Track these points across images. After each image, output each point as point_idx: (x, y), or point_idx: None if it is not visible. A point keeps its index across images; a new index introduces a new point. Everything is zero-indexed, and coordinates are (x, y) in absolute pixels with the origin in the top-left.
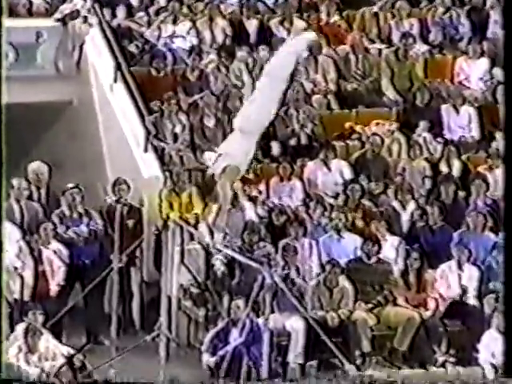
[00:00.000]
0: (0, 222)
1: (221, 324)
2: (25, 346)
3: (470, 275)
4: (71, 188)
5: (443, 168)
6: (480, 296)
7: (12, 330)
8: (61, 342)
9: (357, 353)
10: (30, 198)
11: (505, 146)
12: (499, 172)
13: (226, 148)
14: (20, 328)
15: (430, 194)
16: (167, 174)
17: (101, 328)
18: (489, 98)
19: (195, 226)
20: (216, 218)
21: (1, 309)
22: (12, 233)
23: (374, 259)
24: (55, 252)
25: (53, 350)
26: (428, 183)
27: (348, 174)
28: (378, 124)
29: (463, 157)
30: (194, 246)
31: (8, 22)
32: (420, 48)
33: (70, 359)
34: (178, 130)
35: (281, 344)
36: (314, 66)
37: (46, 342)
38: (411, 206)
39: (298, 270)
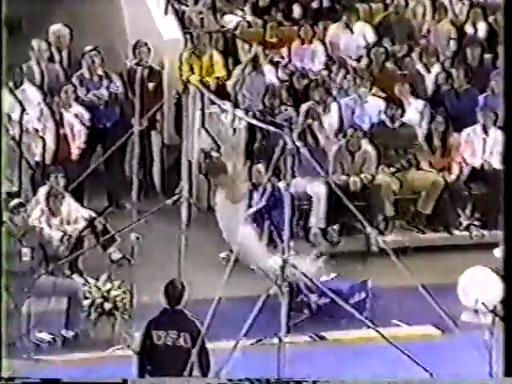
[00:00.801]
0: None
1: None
2: (47, 209)
3: (496, 139)
4: (90, 50)
5: (469, 30)
6: None
7: (34, 193)
8: (82, 205)
9: (379, 217)
10: (50, 60)
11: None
12: None
13: None
14: (42, 191)
15: (455, 57)
16: (188, 36)
17: (122, 191)
18: None
19: (216, 90)
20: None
21: (0, 309)
22: (33, 95)
23: (397, 123)
24: (76, 115)
25: (75, 213)
26: (453, 45)
27: (371, 37)
28: None
29: (490, 18)
30: (215, 109)
31: None
32: None
33: (91, 222)
34: None
35: (302, 208)
36: None
37: (68, 205)
38: (436, 68)
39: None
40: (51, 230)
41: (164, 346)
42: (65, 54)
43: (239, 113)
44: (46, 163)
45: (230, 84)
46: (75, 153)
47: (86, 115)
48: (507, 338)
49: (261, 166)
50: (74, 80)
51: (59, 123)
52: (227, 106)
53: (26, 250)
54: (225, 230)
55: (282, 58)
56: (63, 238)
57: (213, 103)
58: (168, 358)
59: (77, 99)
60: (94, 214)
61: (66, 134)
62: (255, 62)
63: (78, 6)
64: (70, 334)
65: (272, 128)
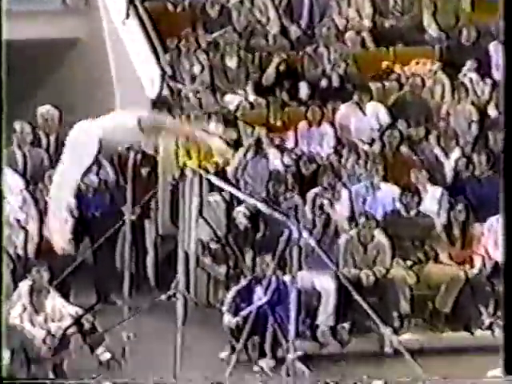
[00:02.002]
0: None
1: (243, 282)
2: (30, 306)
3: None
4: None
5: (491, 112)
6: None
7: (15, 287)
8: (68, 301)
9: (394, 314)
10: (34, 144)
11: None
12: None
13: None
14: (24, 286)
15: (476, 141)
16: (184, 118)
17: (112, 286)
18: None
19: (215, 176)
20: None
21: (0, 308)
22: (14, 182)
23: (413, 212)
24: None
25: (60, 310)
26: (474, 128)
27: (385, 119)
28: (418, 63)
29: None
30: (213, 197)
31: None
32: None
33: (78, 320)
34: (196, 70)
35: (309, 304)
36: None
37: (53, 301)
38: (456, 153)
39: (328, 223)
40: (34, 328)
41: None
42: (52, 138)
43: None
44: (28, 256)
45: (230, 170)
46: None
47: (73, 203)
48: (507, 337)
49: (265, 258)
50: None
51: (43, 212)
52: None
53: (5, 353)
54: None
55: (288, 141)
56: (46, 338)
57: (212, 190)
58: None
59: None
60: (80, 311)
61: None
62: (258, 146)
63: (65, 85)
64: None
65: (278, 215)
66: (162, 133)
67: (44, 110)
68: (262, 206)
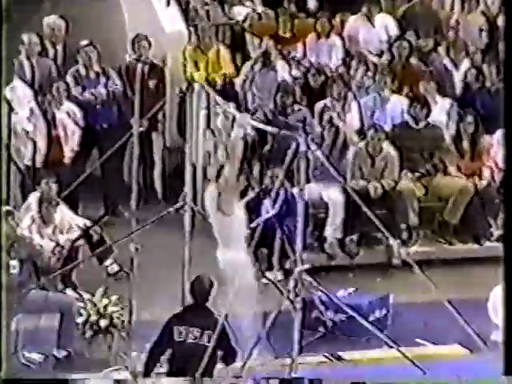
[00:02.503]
0: None
1: (251, 194)
2: (38, 217)
3: None
4: (86, 45)
5: (502, 22)
6: None
7: (24, 199)
8: (76, 213)
9: (402, 226)
10: (42, 54)
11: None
12: None
13: None
14: (33, 197)
15: (486, 52)
16: (192, 29)
17: (120, 198)
18: None
19: (223, 88)
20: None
21: (0, 312)
22: (23, 93)
23: (422, 123)
24: (69, 114)
25: (68, 221)
26: (485, 39)
27: (394, 30)
28: None
29: None
30: (221, 108)
31: None
32: None
33: (86, 231)
34: None
35: (317, 216)
36: None
37: (62, 213)
38: (465, 64)
39: (336, 136)
40: (42, 240)
41: (184, 343)
42: (59, 48)
43: (245, 118)
44: (36, 167)
45: (238, 82)
46: (69, 156)
47: (80, 114)
48: (507, 337)
49: (272, 170)
50: (69, 77)
51: (51, 123)
52: (231, 109)
53: (14, 263)
54: (218, 237)
55: (296, 53)
56: (55, 249)
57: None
58: (187, 356)
59: (69, 97)
60: (89, 223)
61: (58, 135)
62: (266, 58)
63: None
64: (63, 353)
65: (283, 131)
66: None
67: (50, 20)
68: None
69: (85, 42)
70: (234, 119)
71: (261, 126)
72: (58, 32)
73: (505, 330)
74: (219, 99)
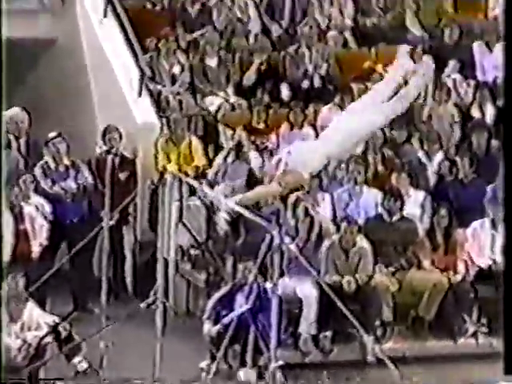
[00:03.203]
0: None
1: (224, 289)
2: (6, 314)
3: None
4: (54, 137)
5: (475, 113)
6: None
7: None
8: (44, 309)
9: (376, 322)
10: (8, 147)
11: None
12: None
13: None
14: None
15: (459, 144)
16: (164, 120)
17: (89, 294)
18: None
19: (195, 181)
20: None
21: (0, 307)
22: None
23: (396, 217)
24: (37, 208)
25: (37, 318)
26: (458, 131)
27: None
28: None
29: (498, 101)
30: (194, 202)
31: None
32: None
33: (54, 328)
34: (176, 70)
35: (291, 312)
36: None
37: (30, 309)
38: (438, 156)
39: (310, 228)
40: (10, 337)
41: None
42: (22, 141)
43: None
44: (2, 262)
45: (210, 174)
46: (37, 250)
47: (48, 208)
48: (507, 337)
49: (245, 264)
50: (37, 170)
51: (18, 217)
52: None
53: None
54: None
55: (270, 144)
56: (22, 347)
57: (192, 194)
58: None
59: (37, 190)
60: (57, 319)
61: (26, 229)
62: (239, 149)
63: (40, 87)
64: None
65: (259, 220)
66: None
67: (12, 112)
68: (243, 211)
69: (53, 134)
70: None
71: (239, 209)
72: (21, 124)
73: (505, 330)
74: (195, 183)
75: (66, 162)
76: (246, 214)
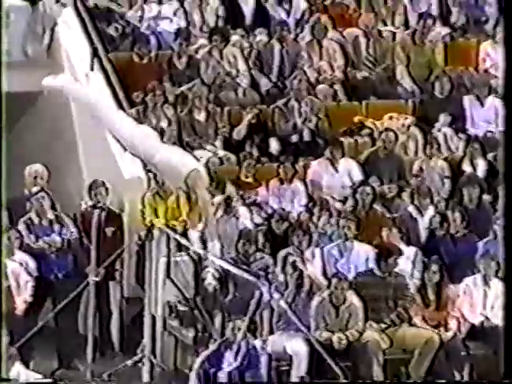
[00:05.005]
0: None
1: (212, 346)
2: None
3: (498, 291)
4: (37, 192)
5: (466, 168)
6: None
7: None
8: (28, 367)
9: (367, 380)
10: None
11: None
12: None
13: None
14: None
15: (450, 198)
16: (151, 174)
17: (75, 351)
18: None
19: (183, 235)
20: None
21: (1, 308)
22: None
23: (387, 272)
24: (21, 264)
25: (23, 376)
26: (448, 185)
27: (357, 175)
28: (391, 118)
29: (489, 155)
30: (181, 257)
31: None
32: (440, 31)
33: None
34: (163, 124)
35: (281, 369)
36: (319, 51)
37: (18, 368)
38: (430, 211)
39: (300, 284)
40: None
41: None
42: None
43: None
44: None
45: (199, 229)
46: (21, 307)
47: (33, 264)
48: (507, 337)
49: (234, 321)
50: (21, 225)
51: (2, 274)
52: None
53: None
54: None
55: (259, 198)
56: None
57: (179, 250)
58: None
59: (21, 246)
60: (41, 378)
61: (9, 285)
62: (228, 204)
63: (25, 141)
64: None
65: (248, 276)
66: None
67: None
68: (231, 268)
69: (36, 189)
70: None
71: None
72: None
73: (505, 330)
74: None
75: (50, 216)
76: (235, 270)
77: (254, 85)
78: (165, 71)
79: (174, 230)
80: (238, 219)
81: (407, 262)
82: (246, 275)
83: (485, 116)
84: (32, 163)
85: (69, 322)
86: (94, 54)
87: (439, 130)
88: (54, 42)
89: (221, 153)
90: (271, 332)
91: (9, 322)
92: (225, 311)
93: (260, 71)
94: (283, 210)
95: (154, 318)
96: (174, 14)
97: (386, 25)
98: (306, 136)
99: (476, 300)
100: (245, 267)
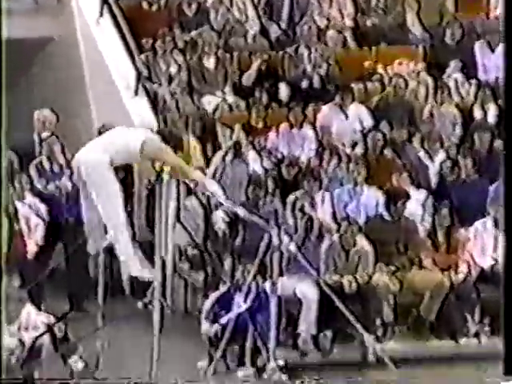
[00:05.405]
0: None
1: (222, 289)
2: (4, 315)
3: None
4: (48, 137)
5: (477, 113)
6: None
7: None
8: (40, 309)
9: (377, 322)
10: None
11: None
12: None
13: None
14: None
15: (461, 143)
16: (161, 120)
17: (85, 294)
18: None
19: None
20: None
21: (0, 305)
22: None
23: (397, 216)
24: (31, 208)
25: (34, 319)
26: (459, 131)
27: (367, 121)
28: (401, 64)
29: (500, 100)
30: (191, 201)
31: None
32: None
33: (50, 328)
34: (173, 70)
35: (290, 312)
36: None
37: (28, 310)
38: (440, 156)
39: (309, 228)
40: (7, 336)
41: None
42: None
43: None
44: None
45: (208, 173)
46: (32, 250)
47: (43, 208)
48: (507, 337)
49: (244, 264)
50: (31, 170)
51: (13, 217)
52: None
53: None
54: None
55: (268, 143)
56: (17, 347)
57: (189, 194)
58: None
59: (32, 190)
60: (53, 319)
61: (21, 229)
62: (237, 149)
63: (36, 86)
64: None
65: (258, 220)
66: (157, 162)
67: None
68: (241, 212)
69: (47, 134)
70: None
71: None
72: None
73: (505, 331)
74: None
75: (61, 161)
76: (245, 213)
77: (264, 32)
78: (174, 18)
79: None
80: (247, 164)
81: (417, 206)
82: (255, 219)
83: (495, 62)
84: (41, 108)
85: (79, 265)
86: (104, 0)
87: (450, 76)
88: None
89: (230, 99)
90: (281, 275)
91: (20, 265)
92: (235, 254)
93: (269, 18)
94: (293, 155)
95: (164, 262)
96: None
97: None
98: (316, 82)
99: (486, 243)
100: (254, 211)
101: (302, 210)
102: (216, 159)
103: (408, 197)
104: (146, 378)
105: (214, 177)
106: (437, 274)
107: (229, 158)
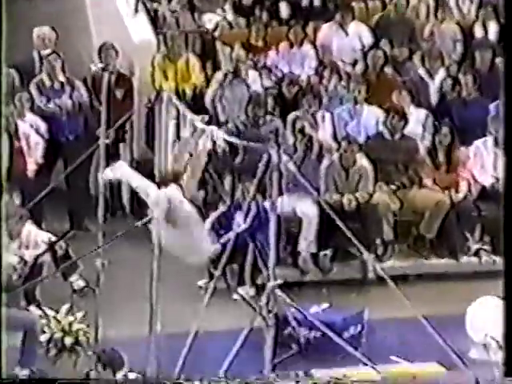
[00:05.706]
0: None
1: (222, 208)
2: (5, 231)
3: None
4: (49, 54)
5: (478, 31)
6: None
7: None
8: (41, 227)
9: (377, 241)
10: None
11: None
12: None
13: None
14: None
15: (462, 61)
16: (161, 37)
17: (86, 212)
18: None
19: (193, 99)
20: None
21: (0, 309)
22: None
23: (397, 135)
24: (31, 126)
25: (34, 236)
26: (460, 48)
27: (368, 39)
28: None
29: (501, 18)
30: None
31: None
32: None
33: (51, 246)
34: None
35: (290, 230)
36: None
37: (29, 228)
38: (441, 74)
39: (309, 147)
40: (7, 254)
41: None
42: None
43: (215, 132)
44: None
45: (208, 92)
46: (32, 168)
47: (43, 126)
48: (507, 337)
49: (244, 183)
50: (32, 87)
51: (13, 135)
52: (199, 123)
53: None
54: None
55: (268, 62)
56: (19, 265)
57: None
58: None
59: (32, 108)
60: (53, 238)
61: (21, 147)
62: (237, 67)
63: (34, 4)
64: (25, 372)
65: (252, 144)
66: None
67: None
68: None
69: (48, 51)
70: (202, 131)
71: (230, 138)
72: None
73: (505, 331)
74: (188, 112)
75: (62, 78)
76: (238, 142)
77: None
78: None
79: (184, 94)
80: (247, 83)
81: (418, 124)
82: (254, 140)
83: None
84: (42, 25)
85: (80, 183)
86: None
87: None
88: None
89: (230, 17)
90: (280, 194)
91: (20, 183)
92: (235, 173)
93: None
94: (293, 73)
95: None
96: None
97: None
98: (316, 1)
99: (487, 162)
100: (255, 130)
101: (302, 130)
102: (216, 78)
103: (409, 115)
104: (146, 296)
105: (214, 95)
106: (437, 192)
107: (228, 76)
